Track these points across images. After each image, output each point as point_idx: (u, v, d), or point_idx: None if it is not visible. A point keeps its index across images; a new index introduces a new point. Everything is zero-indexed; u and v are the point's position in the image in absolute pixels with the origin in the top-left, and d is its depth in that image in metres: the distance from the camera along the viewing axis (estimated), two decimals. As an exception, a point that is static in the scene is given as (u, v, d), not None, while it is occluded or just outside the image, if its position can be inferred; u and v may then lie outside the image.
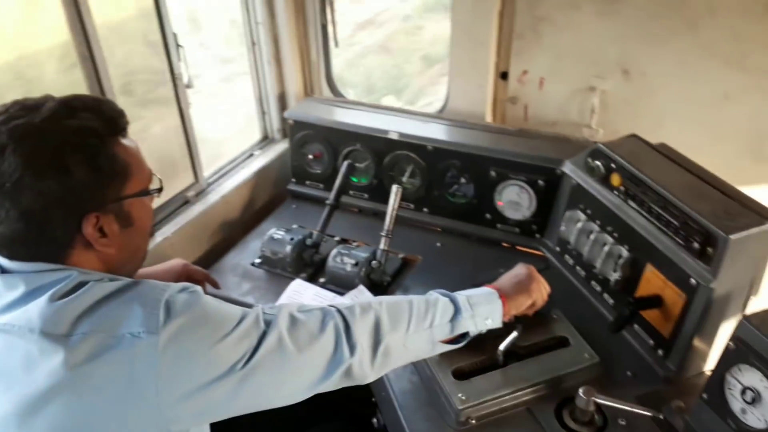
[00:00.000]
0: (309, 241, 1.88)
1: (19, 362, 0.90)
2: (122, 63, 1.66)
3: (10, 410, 0.90)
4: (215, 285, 1.72)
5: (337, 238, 2.01)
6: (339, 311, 1.14)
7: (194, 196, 2.04)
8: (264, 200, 2.34)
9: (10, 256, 0.97)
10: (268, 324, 1.04)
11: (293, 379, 1.06)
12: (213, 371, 0.95)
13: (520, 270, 1.43)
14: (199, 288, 1.00)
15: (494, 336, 1.48)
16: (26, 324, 0.90)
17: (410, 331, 1.19)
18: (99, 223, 0.98)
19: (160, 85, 1.84)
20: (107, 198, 0.99)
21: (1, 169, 0.90)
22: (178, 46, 1.82)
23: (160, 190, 1.11)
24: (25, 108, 0.95)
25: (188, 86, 1.90)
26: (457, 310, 1.26)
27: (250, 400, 1.02)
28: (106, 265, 1.02)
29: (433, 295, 1.29)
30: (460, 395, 1.38)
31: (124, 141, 1.03)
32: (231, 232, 2.12)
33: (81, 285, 0.94)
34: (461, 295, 1.30)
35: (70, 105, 0.98)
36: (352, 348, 1.10)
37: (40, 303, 0.91)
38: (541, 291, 1.41)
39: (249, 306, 1.12)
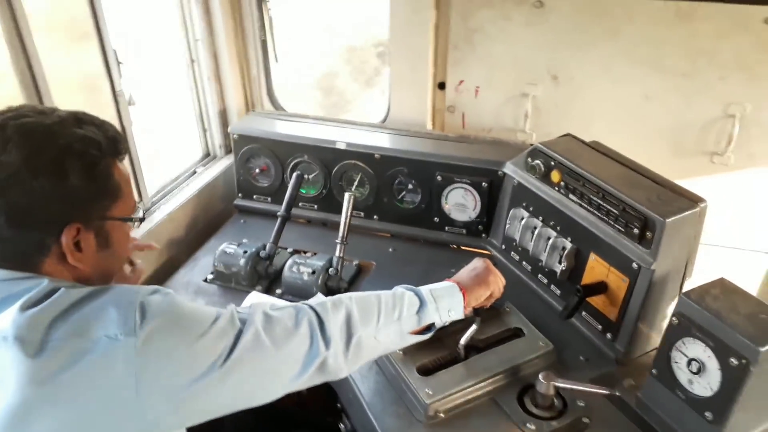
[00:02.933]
0: (262, 254, 1.87)
1: None
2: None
3: None
4: (150, 248, 1.62)
5: (289, 250, 2.01)
6: (311, 307, 1.16)
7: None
8: (211, 217, 2.30)
9: None
10: (244, 322, 1.04)
11: (272, 376, 1.07)
12: (192, 371, 0.95)
13: (477, 263, 1.49)
14: (171, 290, 1.00)
15: (454, 331, 1.54)
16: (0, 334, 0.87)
17: (380, 324, 1.24)
18: (78, 236, 0.98)
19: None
20: (94, 213, 1.00)
21: (1, 159, 0.90)
22: (118, 62, 1.78)
23: (141, 219, 1.13)
24: (36, 111, 0.98)
25: (130, 104, 1.86)
26: (422, 303, 1.32)
27: (231, 398, 1.02)
28: (77, 279, 1.01)
29: (399, 289, 1.34)
30: (426, 390, 1.41)
31: (120, 165, 1.05)
32: (179, 250, 2.08)
33: (53, 292, 0.92)
34: (425, 289, 1.36)
35: (79, 117, 1.01)
36: (326, 342, 1.13)
37: (11, 312, 0.89)
38: (497, 282, 1.47)
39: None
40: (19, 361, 0.86)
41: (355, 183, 2.14)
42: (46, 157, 0.93)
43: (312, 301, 1.21)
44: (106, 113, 1.79)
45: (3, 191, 0.91)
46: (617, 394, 1.39)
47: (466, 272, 1.47)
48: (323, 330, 1.13)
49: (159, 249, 1.71)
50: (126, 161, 1.86)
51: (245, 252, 1.85)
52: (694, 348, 1.24)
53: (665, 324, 1.32)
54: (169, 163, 2.39)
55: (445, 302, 1.35)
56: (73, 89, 1.66)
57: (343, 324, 1.17)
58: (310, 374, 1.11)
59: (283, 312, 1.13)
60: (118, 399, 0.89)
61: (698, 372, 1.23)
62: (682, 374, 1.28)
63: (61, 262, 0.98)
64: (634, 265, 1.47)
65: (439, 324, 1.36)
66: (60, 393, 0.87)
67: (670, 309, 1.31)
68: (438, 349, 1.54)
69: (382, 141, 2.15)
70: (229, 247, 1.87)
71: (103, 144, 1.00)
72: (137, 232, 1.92)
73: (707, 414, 1.23)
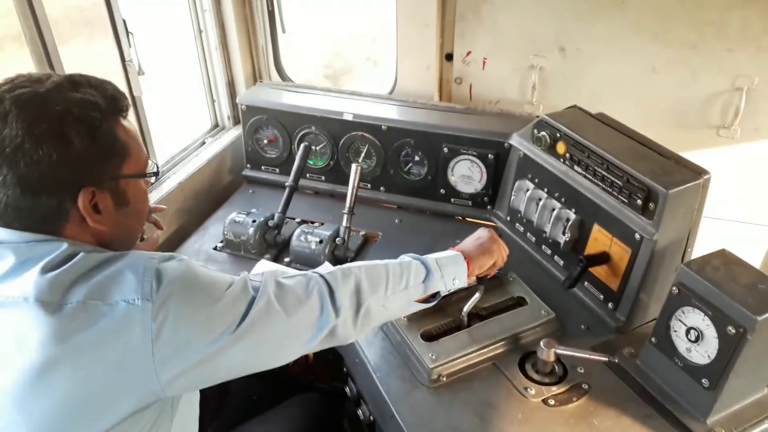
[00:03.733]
0: (271, 223, 1.90)
1: (11, 336, 0.90)
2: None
3: (8, 388, 0.90)
4: (157, 209, 1.59)
5: (297, 220, 2.04)
6: (322, 276, 1.19)
7: (150, 185, 2.01)
8: (220, 187, 2.33)
9: (5, 224, 0.97)
10: (256, 290, 1.07)
11: (283, 342, 1.10)
12: (206, 335, 0.98)
13: (481, 233, 1.52)
14: (185, 257, 1.03)
15: (457, 299, 1.58)
16: (21, 295, 0.90)
17: (388, 292, 1.27)
18: (95, 198, 0.99)
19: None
20: (104, 174, 1.00)
21: (3, 134, 0.91)
22: (128, 32, 1.80)
23: (156, 174, 1.13)
24: (31, 80, 0.97)
25: (140, 73, 1.87)
26: (428, 272, 1.35)
27: (242, 362, 1.06)
28: (99, 242, 1.03)
29: (406, 258, 1.37)
30: (430, 355, 1.45)
31: (124, 122, 1.05)
32: (189, 219, 2.11)
33: (72, 255, 0.95)
34: (430, 258, 1.38)
35: (74, 80, 1.00)
36: (336, 310, 1.16)
37: (32, 274, 0.91)
38: (501, 251, 1.50)
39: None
40: (40, 321, 0.89)
41: (362, 154, 2.15)
42: (47, 126, 0.93)
43: (322, 269, 1.24)
44: (116, 82, 1.81)
45: (12, 164, 0.92)
46: (616, 360, 1.42)
47: (470, 241, 1.50)
48: (333, 299, 1.16)
49: (165, 208, 1.72)
50: (136, 128, 1.91)
51: (254, 221, 1.88)
52: (693, 317, 1.27)
53: (666, 294, 1.34)
54: (179, 134, 2.41)
55: (450, 270, 1.38)
56: (83, 58, 1.68)
57: (352, 293, 1.20)
58: (319, 341, 1.14)
59: (294, 281, 1.16)
60: (134, 361, 0.93)
61: (696, 340, 1.26)
62: (681, 342, 1.31)
63: (81, 225, 1.00)
64: (637, 236, 1.50)
65: (444, 292, 1.39)
66: (79, 353, 0.90)
67: (671, 279, 1.33)
68: (442, 317, 1.58)
69: (389, 112, 2.15)
70: (238, 216, 1.90)
71: (102, 104, 0.99)
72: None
73: (704, 381, 1.26)
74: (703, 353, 1.26)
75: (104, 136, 0.99)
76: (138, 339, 0.92)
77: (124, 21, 1.78)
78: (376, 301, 1.24)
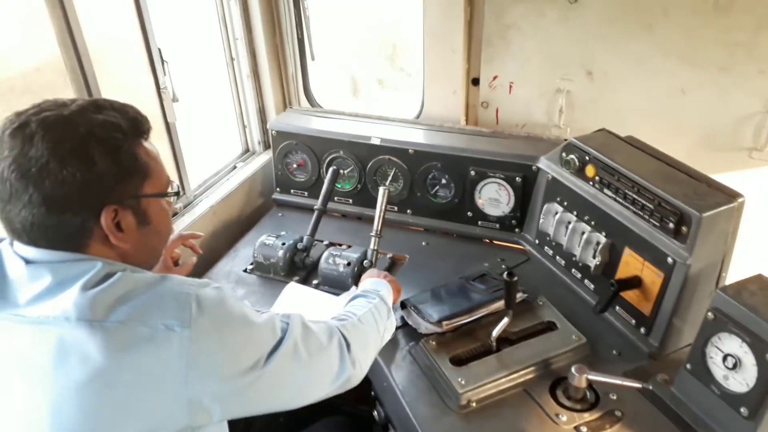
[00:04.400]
0: (300, 246, 1.92)
1: (50, 353, 0.92)
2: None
3: (42, 405, 0.92)
4: (195, 236, 1.73)
5: (326, 242, 2.06)
6: (338, 329, 1.29)
7: (182, 208, 2.07)
8: (250, 210, 2.37)
9: (31, 242, 0.99)
10: (284, 330, 1.13)
11: (304, 383, 1.17)
12: (237, 366, 1.01)
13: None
14: (221, 285, 1.06)
15: (486, 324, 1.57)
16: (61, 314, 0.92)
17: (380, 331, 1.47)
18: (117, 217, 1.02)
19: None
20: (126, 193, 1.03)
21: (29, 154, 0.94)
22: (163, 60, 1.86)
23: (177, 193, 1.16)
24: (57, 104, 1.00)
25: (174, 100, 1.93)
26: (383, 300, 1.53)
27: (266, 398, 1.09)
28: (122, 260, 1.05)
29: (369, 295, 1.54)
30: (459, 380, 1.44)
31: (146, 144, 1.08)
32: (220, 242, 2.14)
33: (110, 275, 0.97)
34: (375, 291, 1.57)
35: (98, 104, 1.03)
36: (353, 362, 1.27)
37: (72, 293, 0.93)
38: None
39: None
40: (83, 338, 0.91)
41: (390, 178, 2.17)
42: (71, 146, 0.95)
43: (336, 320, 1.37)
44: (151, 109, 1.87)
45: (37, 183, 0.94)
46: (650, 387, 1.39)
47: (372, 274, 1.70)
48: (350, 351, 1.28)
49: (203, 236, 1.76)
50: (169, 154, 1.97)
51: (283, 244, 1.91)
52: (729, 343, 1.24)
53: (700, 319, 1.32)
54: (211, 159, 2.46)
55: (384, 290, 1.57)
56: (119, 85, 1.73)
57: (363, 345, 1.35)
58: (336, 388, 1.26)
59: (318, 326, 1.24)
60: (168, 387, 0.94)
61: (734, 367, 1.23)
62: (718, 369, 1.28)
63: (105, 242, 1.02)
64: (669, 259, 1.47)
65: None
66: (117, 372, 0.92)
67: (706, 304, 1.31)
68: (471, 341, 1.57)
69: (415, 136, 2.18)
70: (268, 239, 1.93)
71: (125, 126, 1.02)
72: (179, 226, 1.99)
73: (742, 410, 1.23)
74: (741, 381, 1.23)
75: (126, 157, 1.02)
76: (173, 364, 0.94)
77: (159, 50, 1.84)
78: (377, 342, 1.45)
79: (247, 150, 2.54)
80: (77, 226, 0.99)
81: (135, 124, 1.06)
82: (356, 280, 1.81)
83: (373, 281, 1.62)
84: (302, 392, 1.19)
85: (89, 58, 1.58)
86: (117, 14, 1.72)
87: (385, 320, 1.49)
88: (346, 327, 1.32)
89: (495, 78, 2.31)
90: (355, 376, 1.29)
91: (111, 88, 1.66)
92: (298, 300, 1.78)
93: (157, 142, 1.11)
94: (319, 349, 1.19)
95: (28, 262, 0.98)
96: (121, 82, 1.74)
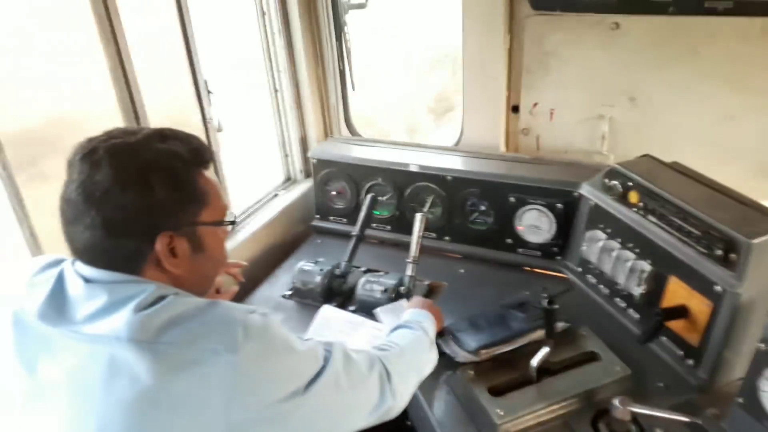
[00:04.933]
0: (337, 272, 1.94)
1: (101, 371, 0.94)
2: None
3: (88, 419, 0.94)
4: (238, 265, 1.73)
5: (363, 269, 2.07)
6: (380, 358, 1.28)
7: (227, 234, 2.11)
8: (290, 237, 2.41)
9: (89, 262, 1.03)
10: (326, 359, 1.12)
11: (343, 412, 1.16)
12: (279, 392, 1.01)
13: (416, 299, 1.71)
14: (267, 311, 1.07)
15: (526, 353, 1.53)
16: (113, 333, 0.95)
17: (422, 363, 1.44)
18: (172, 243, 1.04)
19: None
20: (183, 220, 1.06)
21: (95, 179, 0.98)
22: (208, 92, 1.93)
23: (233, 222, 1.18)
24: (126, 132, 1.06)
25: (219, 130, 2.00)
26: (425, 331, 1.50)
27: (304, 426, 1.08)
28: (175, 285, 1.07)
29: (412, 326, 1.51)
30: (497, 410, 1.40)
31: (206, 173, 1.11)
32: (260, 268, 2.17)
33: (161, 298, 0.99)
34: (417, 322, 1.53)
35: (164, 133, 1.08)
36: (393, 393, 1.25)
37: (125, 313, 0.96)
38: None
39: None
40: (133, 357, 0.93)
41: (428, 204, 2.17)
42: (133, 173, 0.99)
43: (379, 350, 1.35)
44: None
45: (99, 207, 0.98)
46: (700, 422, 1.32)
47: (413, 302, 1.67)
48: (390, 382, 1.26)
49: (247, 265, 1.79)
50: (217, 180, 2.02)
51: (321, 270, 1.92)
52: (784, 376, 1.18)
53: (752, 351, 1.25)
54: (253, 187, 2.53)
55: (427, 322, 1.53)
56: (168, 117, 1.81)
57: (404, 376, 1.32)
58: (375, 418, 1.24)
59: (360, 356, 1.23)
60: (210, 411, 0.95)
61: (789, 402, 1.17)
62: (772, 404, 1.21)
63: (158, 267, 1.05)
64: (718, 288, 1.41)
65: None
66: (165, 394, 0.93)
67: (758, 335, 1.24)
68: (510, 371, 1.53)
69: (454, 163, 2.18)
70: (306, 265, 1.95)
71: (186, 155, 1.05)
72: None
73: (799, 448, 1.16)
74: (798, 417, 1.16)
75: (185, 185, 1.05)
76: (217, 388, 0.94)
77: (205, 82, 1.91)
78: (418, 375, 1.41)
79: (288, 178, 2.60)
80: (133, 249, 1.02)
81: (196, 154, 1.08)
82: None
83: (417, 312, 1.59)
84: (341, 421, 1.17)
85: (139, 91, 1.65)
86: (166, 45, 1.80)
87: (428, 352, 1.47)
88: (387, 357, 1.30)
89: (535, 105, 2.30)
90: (394, 408, 1.27)
91: (159, 120, 1.73)
92: (333, 323, 1.78)
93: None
94: (360, 379, 1.19)
95: (87, 281, 1.02)
96: (170, 115, 1.82)
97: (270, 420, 1.01)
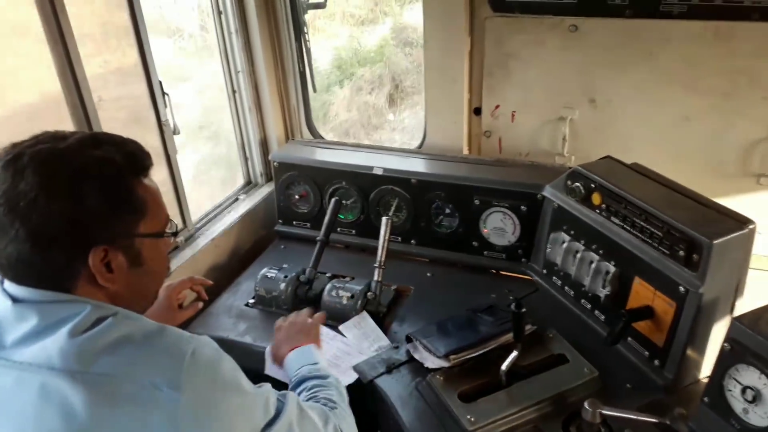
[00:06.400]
0: (302, 278, 1.89)
1: (32, 401, 0.88)
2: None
3: None
4: (204, 282, 1.71)
5: (328, 275, 2.03)
6: (332, 414, 1.27)
7: (183, 241, 2.04)
8: (252, 242, 2.35)
9: (16, 280, 0.95)
10: (279, 409, 1.08)
11: None
12: None
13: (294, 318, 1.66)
14: (218, 347, 1.01)
15: (495, 357, 1.52)
16: (46, 362, 0.88)
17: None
18: (107, 257, 0.97)
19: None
20: (118, 233, 0.98)
21: (18, 188, 0.90)
22: (164, 93, 1.85)
23: (175, 234, 1.11)
24: (55, 137, 0.97)
25: (175, 133, 1.92)
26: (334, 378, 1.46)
27: None
28: (113, 302, 1.00)
29: (323, 376, 1.44)
30: (468, 417, 1.39)
31: (145, 180, 1.03)
32: (221, 275, 2.11)
33: (100, 320, 0.93)
34: (314, 365, 1.47)
35: (98, 138, 1.00)
36: None
37: (59, 338, 0.89)
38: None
39: (247, 346, 1.32)
40: (64, 390, 0.87)
41: (393, 208, 2.15)
42: (61, 181, 0.92)
43: (327, 401, 1.32)
44: (152, 142, 1.86)
45: (24, 219, 0.90)
46: (668, 422, 1.34)
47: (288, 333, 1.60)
48: None
49: (212, 284, 1.75)
50: (170, 186, 1.96)
51: (286, 276, 1.87)
52: (748, 375, 1.20)
53: (716, 350, 1.27)
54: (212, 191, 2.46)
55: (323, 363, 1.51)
56: (120, 119, 1.73)
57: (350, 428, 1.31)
58: None
59: (314, 409, 1.20)
60: None
61: (754, 400, 1.19)
62: (737, 403, 1.23)
63: (92, 283, 0.97)
64: (681, 288, 1.44)
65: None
66: (99, 429, 0.87)
67: (721, 334, 1.27)
68: (479, 376, 1.52)
69: (418, 166, 2.16)
70: (270, 272, 1.90)
71: (121, 162, 0.98)
72: (181, 259, 1.97)
73: (764, 445, 1.18)
74: (763, 414, 1.18)
75: (120, 194, 0.98)
76: (158, 426, 0.89)
77: (160, 83, 1.84)
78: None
79: (249, 182, 2.53)
80: (63, 264, 0.95)
81: (133, 160, 1.02)
82: (359, 313, 1.77)
83: (305, 352, 1.51)
84: None
85: (89, 89, 1.57)
86: (118, 47, 1.72)
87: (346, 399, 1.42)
88: (337, 414, 1.28)
89: (497, 107, 2.31)
90: None
91: (111, 122, 1.65)
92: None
93: (157, 174, 1.08)
94: None
95: (15, 300, 0.94)
96: (122, 117, 1.74)
97: None
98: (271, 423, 1.04)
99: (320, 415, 1.20)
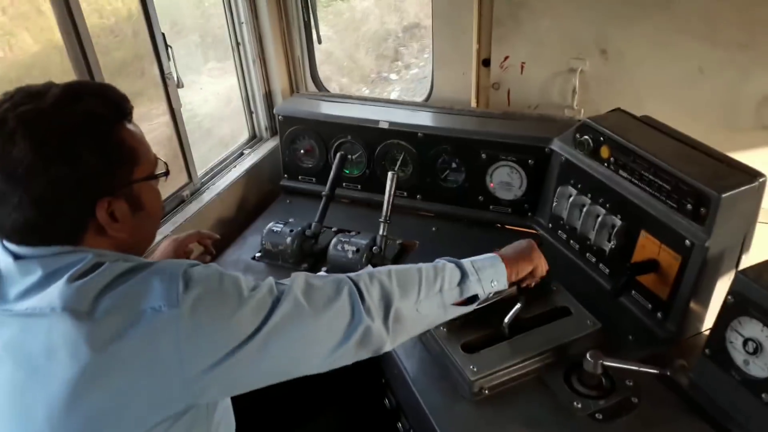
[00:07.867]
0: (308, 232, 1.90)
1: (40, 345, 0.90)
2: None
3: (36, 396, 0.90)
4: (212, 237, 1.72)
5: (334, 229, 2.03)
6: (350, 278, 1.16)
7: (189, 196, 2.05)
8: (258, 197, 2.35)
9: (23, 242, 0.96)
10: (282, 291, 1.05)
11: (312, 344, 1.07)
12: (233, 339, 0.96)
13: (521, 242, 1.48)
14: (213, 264, 1.02)
15: (498, 310, 1.53)
16: (47, 304, 0.90)
17: (421, 296, 1.22)
18: (111, 207, 0.99)
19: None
20: (117, 183, 1.00)
21: (12, 155, 0.90)
22: (167, 46, 1.83)
23: (166, 173, 1.12)
24: (30, 95, 0.95)
25: (179, 86, 1.90)
26: (463, 275, 1.30)
27: (271, 367, 1.03)
28: (119, 249, 1.02)
29: (440, 261, 1.32)
30: (471, 367, 1.41)
31: (130, 126, 1.04)
32: (228, 229, 2.12)
33: (98, 265, 0.94)
34: (467, 261, 1.34)
35: (75, 90, 0.98)
36: (367, 311, 1.11)
37: (59, 285, 0.91)
38: (541, 259, 1.46)
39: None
40: (70, 329, 0.89)
41: (398, 162, 2.14)
42: (56, 145, 0.92)
43: (352, 273, 1.19)
44: (155, 95, 1.84)
45: (26, 186, 0.91)
46: (668, 373, 1.36)
47: (510, 247, 1.45)
48: (363, 300, 1.12)
49: (219, 238, 1.76)
50: (175, 141, 1.95)
51: (291, 231, 1.88)
52: (750, 327, 1.20)
53: (719, 303, 1.27)
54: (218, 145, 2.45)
55: (488, 273, 1.33)
56: (122, 71, 1.71)
57: (380, 296, 1.16)
58: (352, 344, 1.10)
59: (324, 280, 1.13)
60: (163, 369, 0.92)
61: (755, 352, 1.19)
62: (738, 354, 1.24)
63: (100, 234, 1.00)
64: (687, 242, 1.43)
65: (482, 295, 1.33)
66: (111, 363, 0.89)
67: (725, 288, 1.27)
68: (482, 327, 1.53)
69: (424, 119, 2.13)
70: (276, 226, 1.91)
71: (107, 114, 0.99)
72: (186, 213, 1.98)
73: (764, 396, 1.19)
74: (763, 366, 1.19)
75: (112, 146, 0.99)
76: (166, 346, 0.91)
77: (163, 35, 1.81)
78: (407, 304, 1.19)
79: (254, 136, 2.52)
80: (71, 223, 0.97)
81: (117, 108, 1.02)
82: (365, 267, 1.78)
83: (488, 257, 1.38)
84: (311, 354, 1.08)
85: (90, 42, 1.54)
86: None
87: (440, 287, 1.25)
88: (362, 276, 1.17)
89: (506, 59, 2.26)
90: (375, 330, 1.11)
91: (113, 74, 1.64)
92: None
93: (163, 128, 1.07)
94: (326, 303, 1.08)
95: (17, 257, 0.96)
96: (124, 68, 1.72)
97: (232, 365, 0.96)
98: (276, 303, 1.02)
99: (332, 283, 1.12)
